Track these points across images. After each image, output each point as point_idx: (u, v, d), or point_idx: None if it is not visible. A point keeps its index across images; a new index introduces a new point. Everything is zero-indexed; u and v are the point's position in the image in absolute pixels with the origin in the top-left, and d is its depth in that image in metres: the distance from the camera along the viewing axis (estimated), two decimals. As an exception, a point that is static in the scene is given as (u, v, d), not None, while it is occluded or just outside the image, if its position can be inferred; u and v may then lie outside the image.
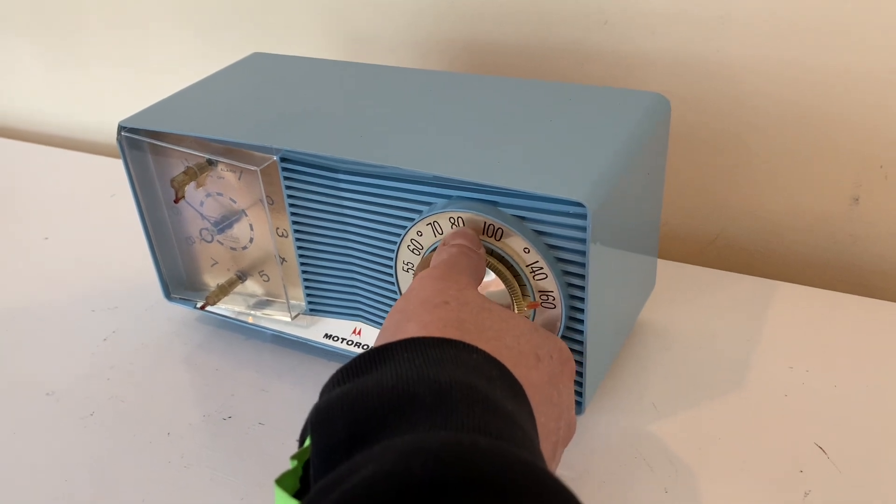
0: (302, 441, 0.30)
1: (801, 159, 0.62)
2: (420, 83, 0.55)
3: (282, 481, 0.28)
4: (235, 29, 0.81)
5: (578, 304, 0.43)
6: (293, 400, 0.54)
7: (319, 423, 0.28)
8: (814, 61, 0.58)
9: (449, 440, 0.25)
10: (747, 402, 0.50)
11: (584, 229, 0.41)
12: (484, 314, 0.35)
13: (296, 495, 0.28)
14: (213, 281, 0.59)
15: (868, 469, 0.45)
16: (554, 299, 0.43)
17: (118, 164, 0.89)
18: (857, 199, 0.61)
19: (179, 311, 0.63)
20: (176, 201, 0.52)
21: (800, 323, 0.57)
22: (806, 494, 0.44)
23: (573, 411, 0.38)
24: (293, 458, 0.29)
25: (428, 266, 0.42)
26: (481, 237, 0.43)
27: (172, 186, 0.51)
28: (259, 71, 0.60)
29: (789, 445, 0.47)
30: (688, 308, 0.59)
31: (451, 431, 0.26)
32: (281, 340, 0.59)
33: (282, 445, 0.50)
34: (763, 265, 0.67)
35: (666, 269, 0.62)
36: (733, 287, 0.61)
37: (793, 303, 0.59)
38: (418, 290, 0.37)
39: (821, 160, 0.61)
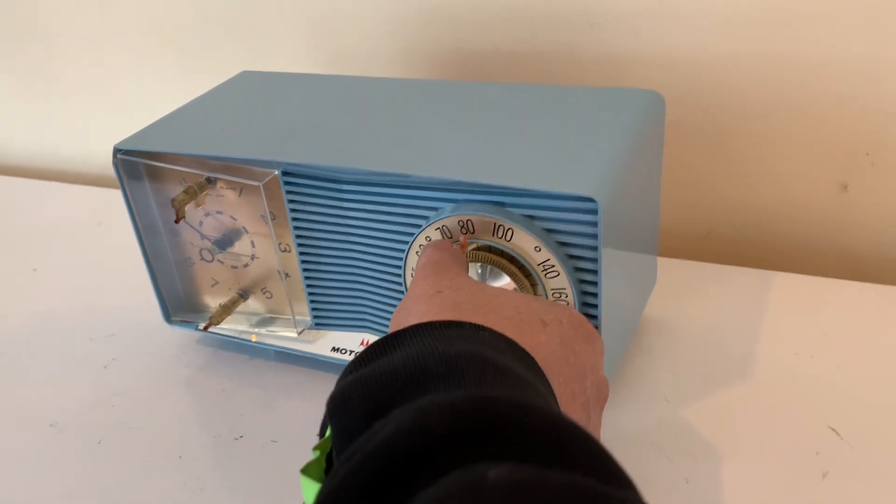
0: (322, 433, 0.30)
1: (788, 150, 0.63)
2: (414, 91, 0.55)
3: (307, 471, 0.29)
4: (216, 51, 0.81)
5: (591, 300, 0.44)
6: (304, 416, 0.53)
7: (336, 408, 0.28)
8: (796, 53, 0.59)
9: (464, 394, 0.25)
10: (757, 390, 0.51)
11: (594, 224, 0.41)
12: (479, 294, 0.37)
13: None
14: (213, 301, 0.59)
15: (881, 446, 0.46)
16: (567, 297, 0.44)
17: (103, 193, 0.88)
18: (845, 187, 0.62)
19: (179, 334, 0.62)
20: (177, 221, 0.51)
21: (799, 310, 0.58)
22: (824, 476, 0.44)
23: (601, 372, 0.38)
24: (315, 448, 0.29)
25: None
26: (492, 238, 0.44)
27: (173, 206, 0.50)
28: (250, 88, 0.60)
29: (803, 429, 0.48)
30: (688, 303, 0.60)
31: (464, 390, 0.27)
32: (285, 357, 0.58)
33: (297, 461, 0.49)
34: (757, 256, 0.68)
35: (663, 266, 0.62)
36: (731, 279, 0.62)
37: (790, 291, 0.60)
38: (412, 290, 0.38)
39: (808, 150, 0.62)
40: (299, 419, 0.53)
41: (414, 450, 0.23)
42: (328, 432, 0.29)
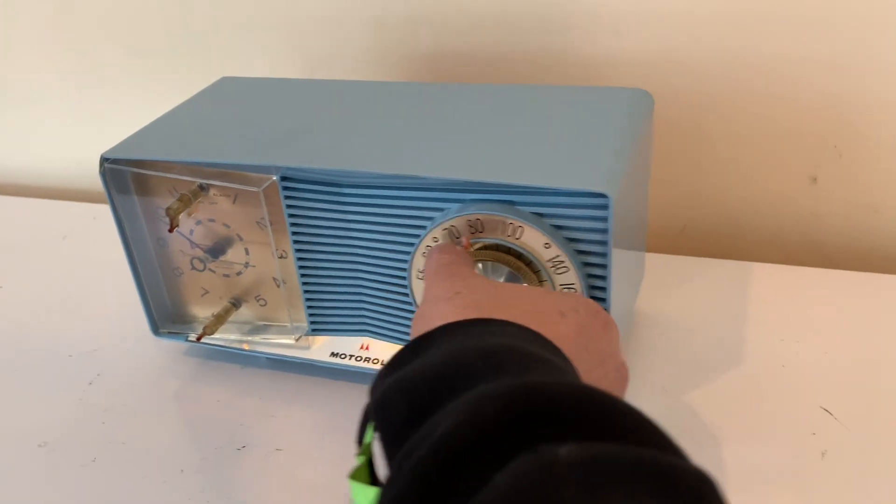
0: (360, 439, 0.30)
1: (760, 144, 0.65)
2: (406, 94, 0.55)
3: (356, 476, 0.29)
4: (187, 58, 0.79)
5: (600, 294, 0.44)
6: (305, 422, 0.53)
7: (380, 413, 0.29)
8: (766, 50, 0.61)
9: (514, 382, 0.26)
10: (750, 376, 0.53)
11: (604, 220, 0.42)
12: (495, 291, 0.37)
13: None
14: (202, 311, 0.58)
15: (874, 424, 0.48)
16: (576, 291, 0.44)
17: (64, 206, 0.85)
18: (815, 179, 0.65)
19: (163, 346, 0.61)
20: (170, 230, 0.50)
21: (780, 299, 0.60)
22: (823, 454, 0.46)
23: (619, 357, 0.39)
24: (359, 454, 0.29)
25: None
26: (500, 236, 0.44)
27: (168, 215, 0.49)
28: (234, 94, 0.59)
29: (797, 412, 0.49)
30: (673, 295, 0.61)
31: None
32: (279, 365, 0.57)
33: (305, 468, 0.49)
34: (732, 249, 0.70)
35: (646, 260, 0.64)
36: (711, 271, 0.64)
37: (769, 281, 0.62)
38: (428, 295, 0.39)
39: (779, 144, 0.65)
40: (301, 426, 0.52)
41: (476, 439, 0.23)
42: (367, 437, 0.29)
